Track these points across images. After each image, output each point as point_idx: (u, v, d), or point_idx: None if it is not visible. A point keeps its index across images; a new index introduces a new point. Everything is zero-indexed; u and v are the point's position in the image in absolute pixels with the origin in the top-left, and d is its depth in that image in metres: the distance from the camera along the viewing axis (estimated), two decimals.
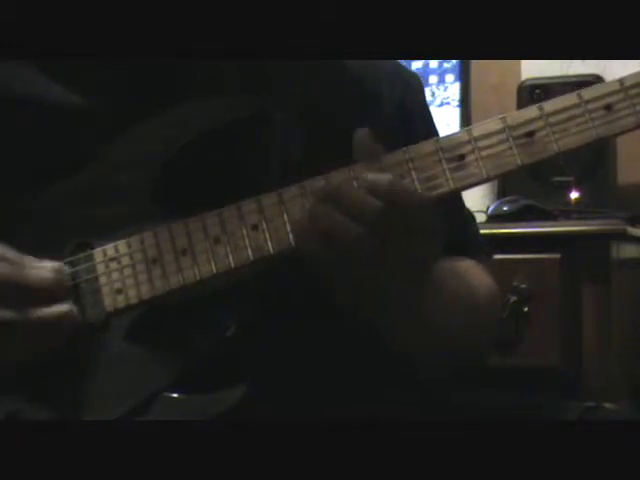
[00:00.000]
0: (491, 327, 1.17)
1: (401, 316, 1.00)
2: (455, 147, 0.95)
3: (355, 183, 0.94)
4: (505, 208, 2.06)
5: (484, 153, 0.94)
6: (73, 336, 0.98)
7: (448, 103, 2.37)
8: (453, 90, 2.37)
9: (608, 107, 0.93)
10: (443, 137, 0.96)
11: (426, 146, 0.95)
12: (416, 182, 0.95)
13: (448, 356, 1.10)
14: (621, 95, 0.93)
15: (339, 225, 0.92)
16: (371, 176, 0.94)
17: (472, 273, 1.14)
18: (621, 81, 0.93)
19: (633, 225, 2.01)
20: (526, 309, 1.86)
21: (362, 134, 0.95)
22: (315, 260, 0.94)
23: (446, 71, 2.37)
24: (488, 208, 2.10)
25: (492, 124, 0.95)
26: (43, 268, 0.98)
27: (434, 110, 2.33)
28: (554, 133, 0.93)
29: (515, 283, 1.87)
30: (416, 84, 1.25)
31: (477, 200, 2.18)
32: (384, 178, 0.93)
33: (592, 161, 2.20)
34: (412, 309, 0.99)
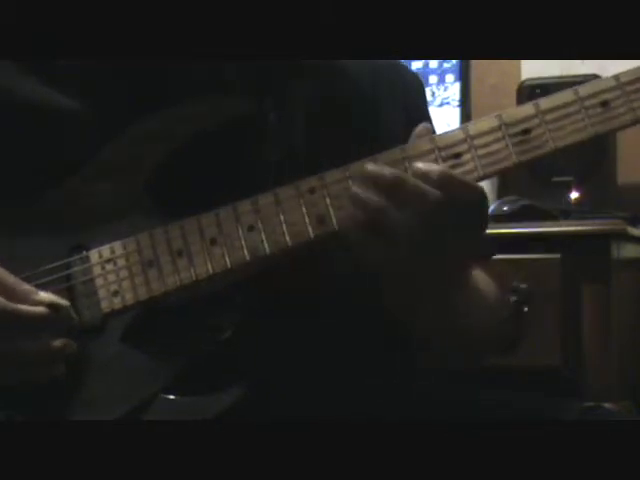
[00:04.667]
0: (499, 329, 1.17)
1: (436, 311, 0.99)
2: (451, 145, 0.94)
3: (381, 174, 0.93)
4: (505, 208, 2.06)
5: (480, 151, 0.94)
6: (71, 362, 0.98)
7: (448, 103, 2.37)
8: (453, 90, 2.37)
9: (604, 104, 0.92)
10: (439, 135, 0.96)
11: (422, 144, 0.95)
12: None
13: (463, 352, 1.10)
14: (618, 92, 0.92)
15: (392, 215, 0.91)
16: (424, 166, 0.92)
17: (482, 278, 1.14)
18: (617, 77, 0.93)
19: (633, 225, 2.01)
20: (526, 309, 1.86)
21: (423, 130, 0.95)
22: (361, 249, 0.93)
23: (446, 71, 2.37)
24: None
25: (488, 122, 0.95)
26: (39, 301, 0.97)
27: (434, 110, 2.33)
28: (550, 131, 0.93)
29: (515, 283, 1.86)
30: (416, 84, 1.25)
31: None
32: (438, 168, 0.92)
33: (592, 161, 2.20)
34: (449, 306, 0.99)
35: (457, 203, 0.91)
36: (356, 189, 0.92)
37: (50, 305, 0.97)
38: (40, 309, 0.96)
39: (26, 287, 0.98)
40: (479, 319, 1.05)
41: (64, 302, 0.98)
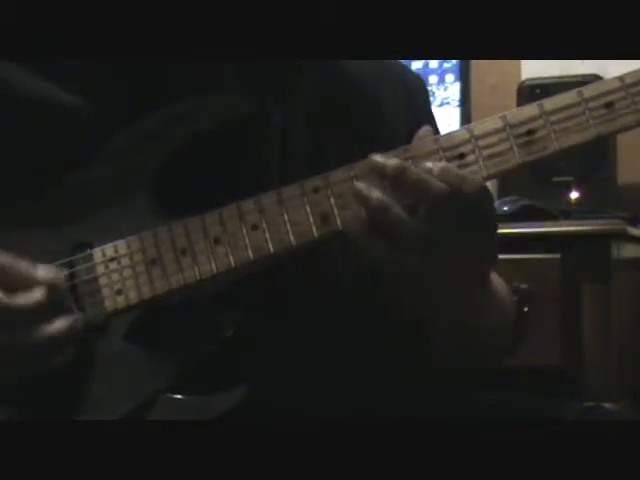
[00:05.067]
0: (509, 330, 1.16)
1: (441, 310, 0.99)
2: (455, 146, 0.94)
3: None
4: (505, 208, 2.06)
5: (484, 152, 0.94)
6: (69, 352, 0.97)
7: (448, 103, 2.37)
8: (453, 90, 2.37)
9: (608, 105, 0.92)
10: (443, 135, 0.96)
11: (426, 145, 0.95)
12: None
13: (472, 353, 1.10)
14: (622, 93, 0.92)
15: (395, 213, 0.91)
16: (428, 162, 0.92)
17: (498, 279, 1.13)
18: (621, 79, 0.93)
19: (633, 225, 2.01)
20: (526, 309, 1.86)
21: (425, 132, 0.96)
22: (364, 248, 0.92)
23: (446, 71, 2.37)
24: None
25: (492, 123, 0.95)
26: (38, 283, 0.95)
27: (434, 110, 2.33)
28: (555, 132, 0.93)
29: (515, 283, 1.86)
30: (418, 84, 1.25)
31: None
32: (442, 163, 0.92)
33: (592, 161, 2.20)
34: (456, 304, 0.98)
35: (461, 197, 0.91)
36: (360, 185, 0.92)
37: (49, 286, 0.96)
38: (37, 296, 0.95)
39: (24, 270, 0.96)
40: (491, 320, 1.05)
41: (59, 279, 0.97)
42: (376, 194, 0.91)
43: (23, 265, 0.96)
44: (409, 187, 0.91)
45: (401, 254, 0.91)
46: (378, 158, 0.93)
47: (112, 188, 1.02)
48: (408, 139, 0.97)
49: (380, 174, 0.92)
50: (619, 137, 2.22)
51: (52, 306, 0.96)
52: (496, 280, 1.10)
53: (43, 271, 0.96)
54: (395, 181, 0.91)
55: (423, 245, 0.91)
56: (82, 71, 1.05)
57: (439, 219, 0.91)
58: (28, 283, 0.95)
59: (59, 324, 0.95)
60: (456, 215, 0.91)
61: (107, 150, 1.03)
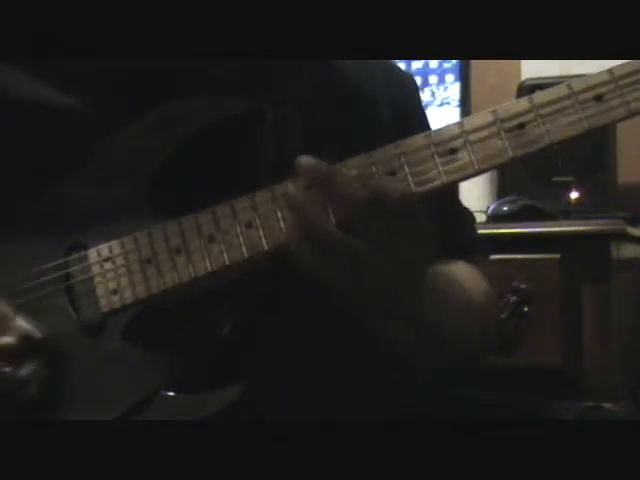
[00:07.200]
0: (488, 329, 1.17)
1: (396, 319, 0.99)
2: (446, 141, 0.94)
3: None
4: (505, 208, 2.06)
5: (476, 147, 0.94)
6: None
7: (448, 103, 2.37)
8: (453, 90, 2.37)
9: (598, 98, 0.93)
10: (434, 131, 0.96)
11: (417, 140, 0.95)
12: (408, 176, 0.95)
13: (446, 360, 1.09)
14: (611, 86, 0.92)
15: (324, 226, 0.91)
16: (354, 170, 0.92)
17: (466, 276, 1.13)
18: (611, 71, 0.93)
19: (633, 225, 2.01)
20: (526, 309, 1.86)
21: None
22: (304, 265, 0.93)
23: (446, 71, 2.37)
24: (488, 208, 2.10)
25: (483, 117, 0.95)
26: (12, 330, 0.97)
27: (434, 110, 2.33)
28: (545, 125, 0.93)
29: (515, 283, 1.87)
30: (411, 84, 1.25)
31: (477, 200, 2.18)
32: (369, 172, 0.92)
33: (592, 161, 2.20)
34: (406, 312, 0.98)
35: (385, 206, 0.90)
36: (291, 195, 0.92)
37: (21, 337, 0.97)
38: (9, 340, 0.96)
39: (3, 311, 0.98)
40: (456, 319, 1.05)
41: (38, 335, 0.98)
42: (306, 205, 0.91)
43: (5, 310, 0.98)
44: (335, 193, 0.91)
45: (329, 264, 0.91)
46: (305, 161, 0.92)
47: (108, 189, 1.02)
48: (402, 137, 0.97)
49: (308, 178, 0.92)
50: (619, 137, 2.22)
51: (22, 353, 0.97)
52: (465, 281, 1.10)
53: (21, 321, 0.98)
54: (322, 186, 0.91)
55: (350, 256, 0.91)
56: (82, 71, 1.05)
57: (365, 229, 0.91)
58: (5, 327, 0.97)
59: (24, 370, 0.97)
60: (381, 224, 0.91)
61: (104, 150, 1.03)
